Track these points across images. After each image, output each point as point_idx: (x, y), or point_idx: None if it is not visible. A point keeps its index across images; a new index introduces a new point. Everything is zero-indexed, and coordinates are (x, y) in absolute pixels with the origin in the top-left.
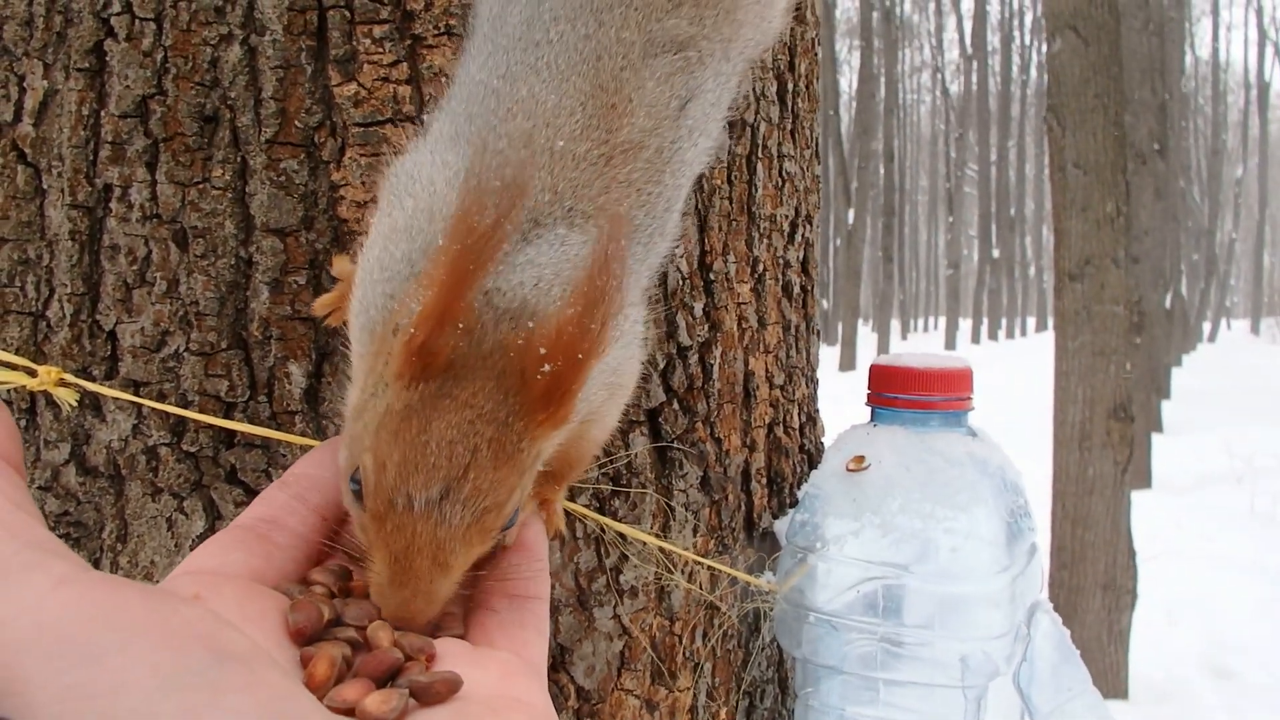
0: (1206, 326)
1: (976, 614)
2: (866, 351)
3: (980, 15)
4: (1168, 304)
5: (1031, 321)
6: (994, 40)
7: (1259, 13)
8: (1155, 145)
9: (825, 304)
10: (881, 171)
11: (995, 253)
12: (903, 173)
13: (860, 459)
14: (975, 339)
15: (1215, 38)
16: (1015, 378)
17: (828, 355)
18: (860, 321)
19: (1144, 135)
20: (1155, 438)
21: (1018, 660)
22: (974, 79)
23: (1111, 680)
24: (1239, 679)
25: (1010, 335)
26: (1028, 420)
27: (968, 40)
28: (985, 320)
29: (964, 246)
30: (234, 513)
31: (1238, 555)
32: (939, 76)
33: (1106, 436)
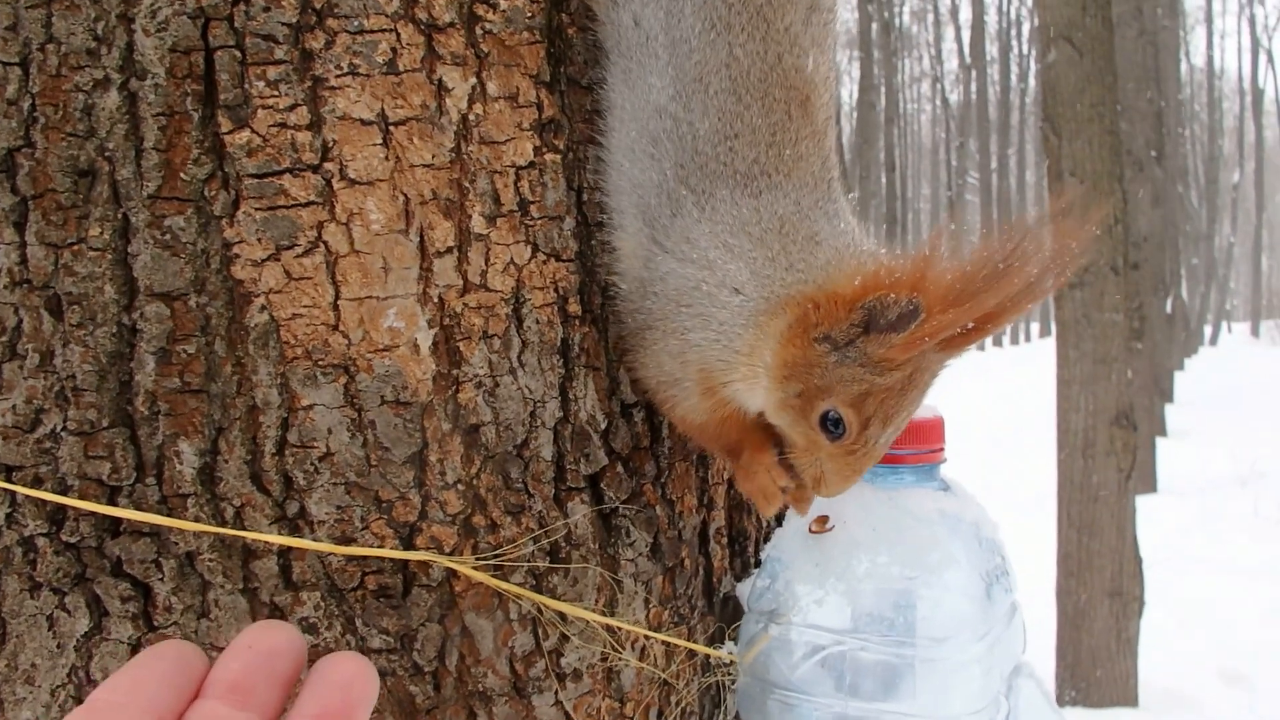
0: (1208, 330)
1: (950, 686)
2: None
3: (978, 25)
4: (1169, 308)
5: (1035, 327)
6: (992, 50)
7: (1251, 21)
8: (1152, 152)
9: None
10: (884, 180)
11: None
12: (904, 181)
13: (824, 519)
14: (980, 345)
15: (1210, 46)
16: (1019, 384)
17: None
18: None
19: (1141, 142)
20: (1160, 442)
21: None
22: (973, 88)
23: (1121, 688)
24: (1249, 684)
25: (1014, 341)
26: (1033, 427)
27: (966, 50)
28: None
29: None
30: (120, 609)
31: (1244, 559)
32: (938, 86)
33: (1110, 444)
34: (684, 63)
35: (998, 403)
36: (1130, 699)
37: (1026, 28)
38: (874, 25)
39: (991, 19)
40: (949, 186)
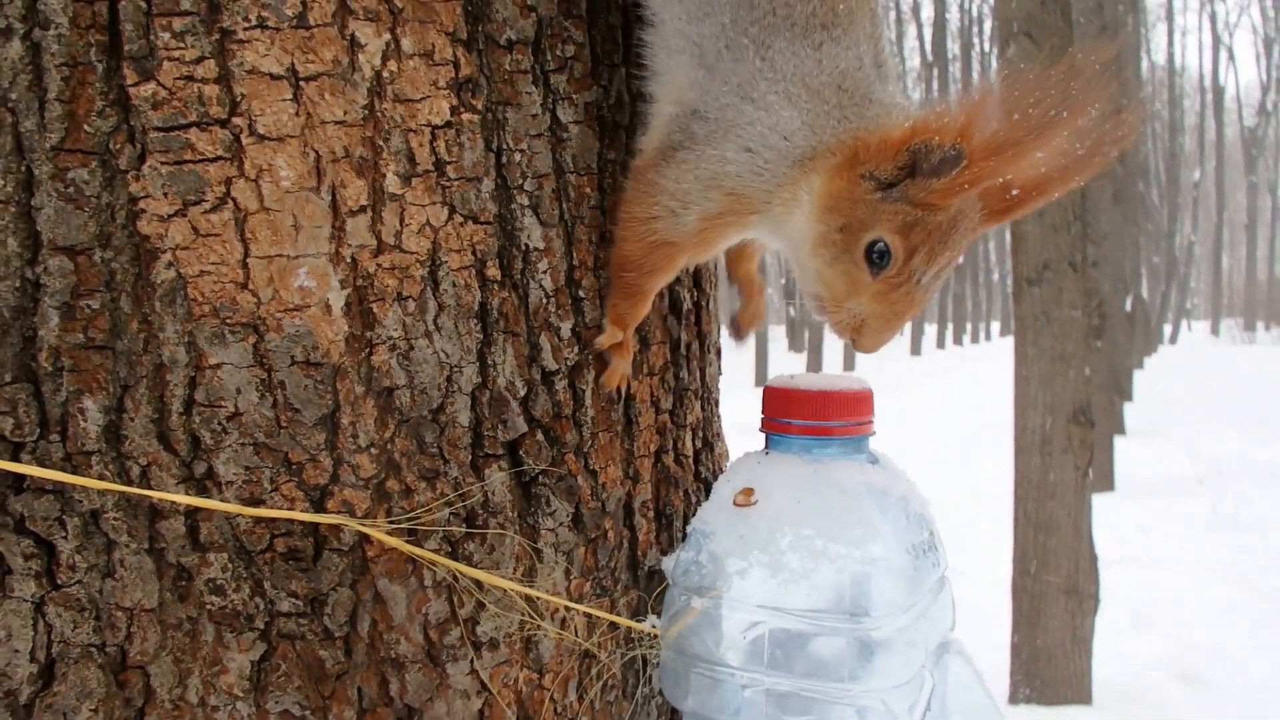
0: (1168, 329)
1: (873, 660)
2: (833, 355)
3: (940, 24)
4: (1128, 307)
5: (996, 326)
6: (954, 48)
7: (1213, 18)
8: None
9: (792, 311)
10: None
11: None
12: None
13: (749, 492)
14: (940, 344)
15: (1170, 43)
16: (979, 382)
17: (797, 361)
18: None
19: None
20: (1118, 440)
21: (921, 710)
22: (935, 86)
23: (1075, 686)
24: (1204, 683)
25: (975, 340)
26: (991, 425)
27: (928, 48)
28: (950, 325)
29: None
30: (23, 567)
31: (1201, 559)
32: (900, 84)
33: (1067, 441)
34: None
35: (958, 400)
36: (1085, 697)
37: (988, 25)
38: None
39: (953, 16)
40: None
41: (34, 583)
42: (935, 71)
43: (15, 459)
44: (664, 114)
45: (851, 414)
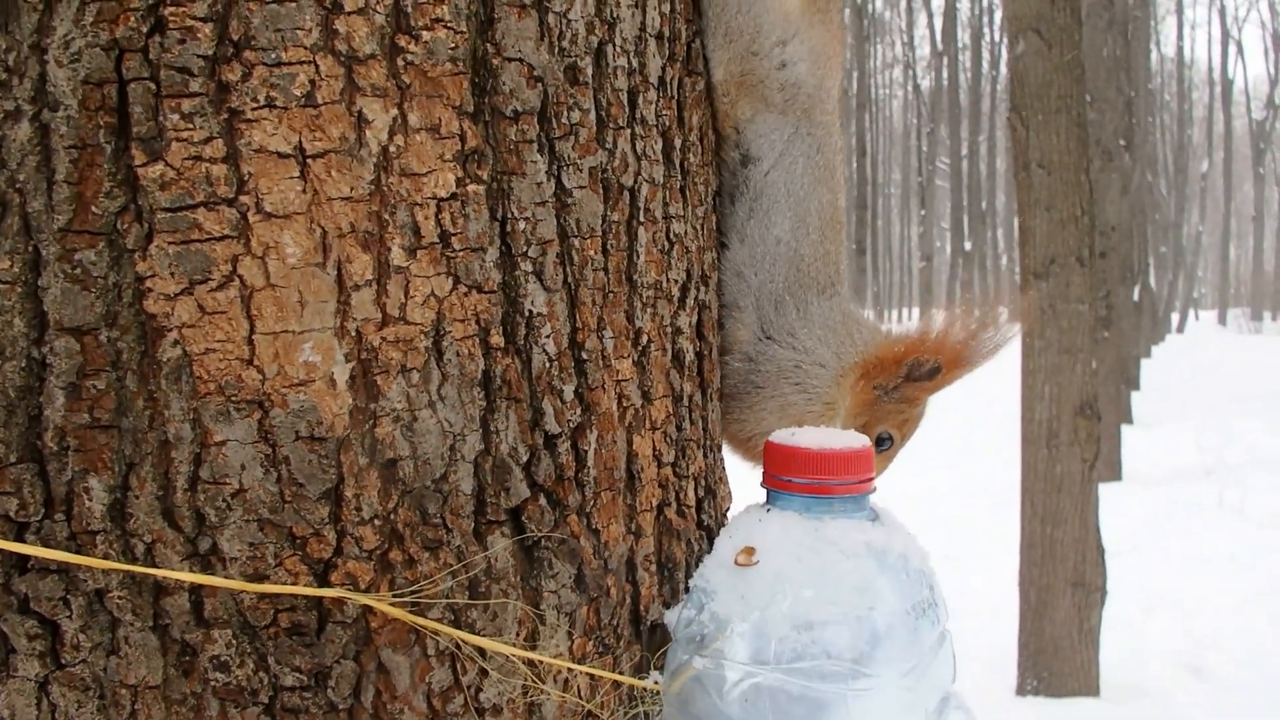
0: (1175, 318)
1: (875, 718)
2: None
3: (950, 12)
4: (1136, 297)
5: (1004, 313)
6: (964, 37)
7: (1222, 12)
8: (1121, 141)
9: None
10: (854, 165)
11: (967, 245)
12: (875, 167)
13: (750, 551)
14: None
15: (1180, 36)
16: (987, 372)
17: None
18: None
19: (1110, 132)
20: (1125, 430)
21: None
22: (944, 75)
23: (1083, 678)
24: (1212, 675)
25: None
26: (999, 417)
27: (938, 36)
28: (928, 313)
29: (936, 239)
30: (27, 647)
31: (1209, 549)
32: (910, 72)
33: (1074, 434)
34: (799, 206)
35: (964, 390)
36: (1092, 689)
37: (998, 15)
38: (847, 11)
39: (964, 6)
40: (919, 172)
41: (38, 662)
42: (945, 60)
43: (20, 539)
44: (732, 366)
45: (852, 472)
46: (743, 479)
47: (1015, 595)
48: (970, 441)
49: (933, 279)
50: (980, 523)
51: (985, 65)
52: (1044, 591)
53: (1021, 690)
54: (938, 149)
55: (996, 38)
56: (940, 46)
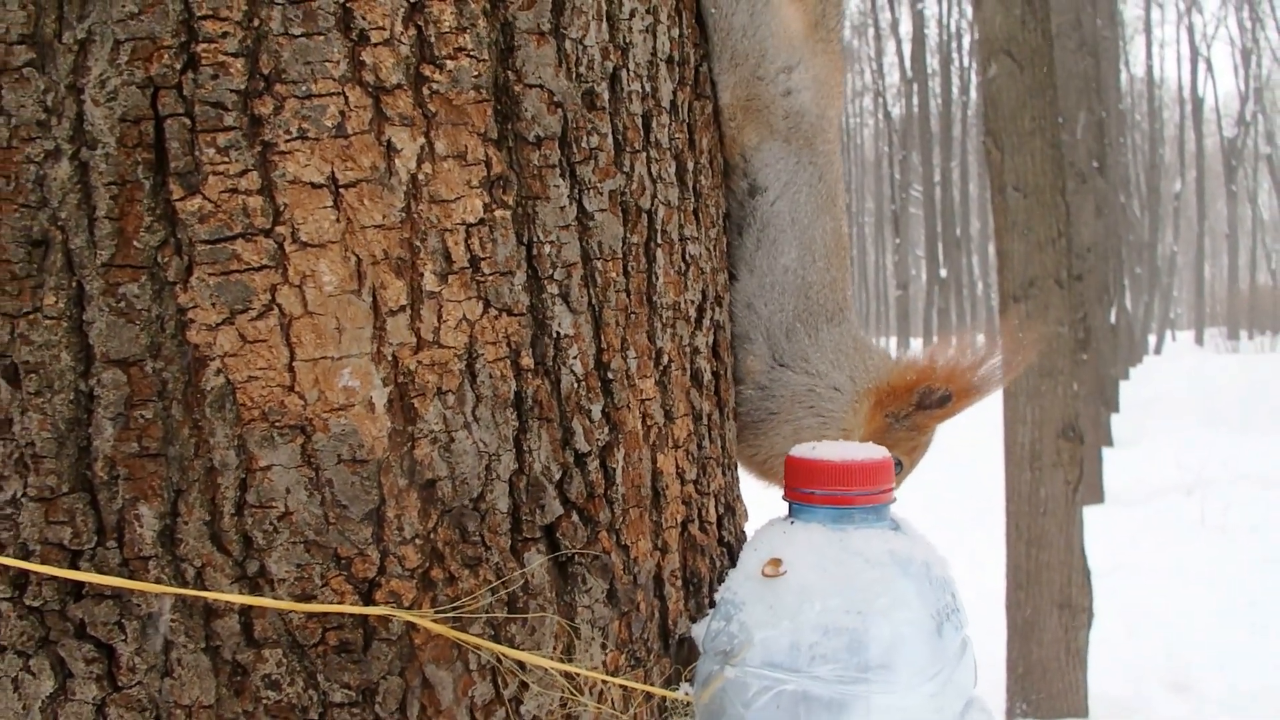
0: (1152, 339)
1: None
2: None
3: (919, 39)
4: (1113, 318)
5: (980, 340)
6: (933, 63)
7: (1190, 30)
8: (1094, 163)
9: None
10: None
11: (943, 272)
12: (849, 195)
13: (776, 563)
14: None
15: (1149, 55)
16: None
17: None
18: None
19: (1083, 154)
20: (1106, 451)
21: None
22: (915, 101)
23: (1071, 699)
24: (1197, 692)
25: None
26: (982, 440)
27: (908, 63)
28: (935, 340)
29: (912, 267)
30: (84, 671)
31: (1192, 567)
32: (880, 100)
33: (1056, 456)
34: (804, 234)
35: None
36: (1080, 710)
37: (967, 40)
38: None
39: (932, 32)
40: (893, 200)
41: (95, 686)
42: (915, 87)
43: (74, 566)
44: (746, 394)
45: (874, 483)
46: (753, 498)
47: (1002, 618)
48: (952, 460)
49: (909, 307)
50: (964, 545)
51: (955, 91)
52: (1031, 614)
53: (1011, 713)
54: (910, 176)
55: (965, 63)
56: (910, 73)
